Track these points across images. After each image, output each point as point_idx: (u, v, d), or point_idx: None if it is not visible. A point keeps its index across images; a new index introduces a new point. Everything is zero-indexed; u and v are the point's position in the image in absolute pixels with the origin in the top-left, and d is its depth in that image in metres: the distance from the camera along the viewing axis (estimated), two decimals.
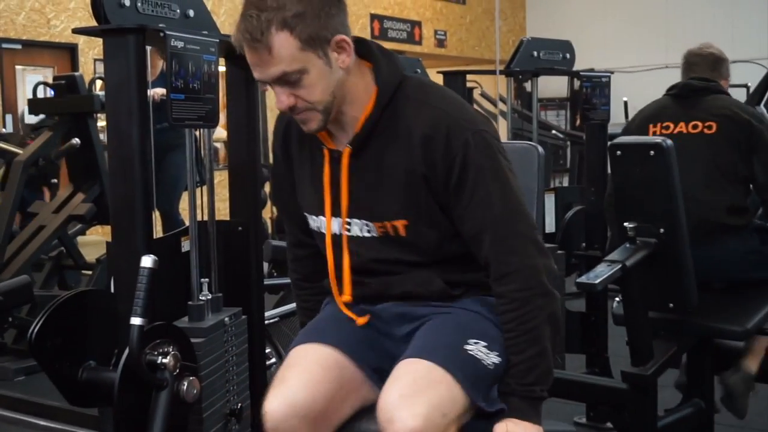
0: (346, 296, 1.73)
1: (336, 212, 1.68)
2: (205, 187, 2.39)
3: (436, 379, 1.56)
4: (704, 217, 2.73)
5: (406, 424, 1.49)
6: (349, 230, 1.68)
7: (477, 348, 1.63)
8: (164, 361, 1.91)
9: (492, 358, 1.64)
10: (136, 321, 1.82)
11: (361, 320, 1.74)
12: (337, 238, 1.71)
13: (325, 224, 1.70)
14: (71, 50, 8.42)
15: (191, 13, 2.21)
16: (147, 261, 1.86)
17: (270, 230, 7.10)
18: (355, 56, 1.62)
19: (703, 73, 2.97)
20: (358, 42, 1.64)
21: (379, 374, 1.70)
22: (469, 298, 1.72)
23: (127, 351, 1.86)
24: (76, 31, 2.07)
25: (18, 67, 8.22)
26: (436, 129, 1.58)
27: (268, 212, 7.31)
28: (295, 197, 1.78)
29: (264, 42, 1.51)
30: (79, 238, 5.24)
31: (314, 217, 1.73)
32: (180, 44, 2.00)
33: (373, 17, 11.93)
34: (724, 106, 2.86)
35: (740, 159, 2.80)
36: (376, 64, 1.65)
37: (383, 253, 1.68)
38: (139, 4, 2.06)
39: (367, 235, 1.68)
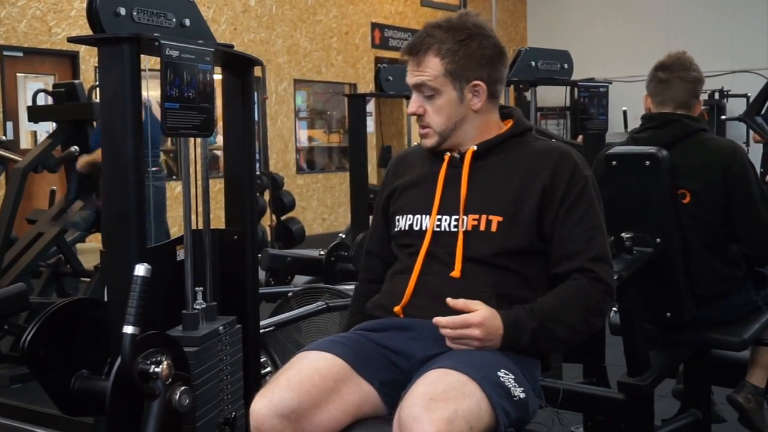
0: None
1: (441, 210, 1.88)
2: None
3: (467, 392, 1.57)
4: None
5: (432, 425, 1.49)
6: (439, 226, 1.87)
7: (507, 378, 1.67)
8: (157, 370, 1.90)
9: (518, 393, 1.67)
10: (128, 330, 1.82)
11: (398, 308, 1.85)
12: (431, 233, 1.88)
13: (424, 221, 1.89)
14: (72, 58, 8.43)
15: (187, 22, 2.21)
16: (140, 269, 1.86)
17: (269, 238, 7.09)
18: (490, 104, 1.92)
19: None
20: (507, 108, 1.99)
21: (388, 387, 1.73)
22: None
23: (119, 360, 1.86)
24: (72, 40, 2.07)
25: (19, 75, 8.24)
26: (568, 157, 1.87)
27: (267, 220, 7.31)
28: (388, 235, 2.00)
29: (419, 56, 1.88)
30: (79, 246, 5.23)
31: (410, 215, 1.92)
32: (175, 53, 1.99)
33: (374, 26, 11.95)
34: None
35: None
36: (514, 112, 1.98)
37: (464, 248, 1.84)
38: (134, 14, 2.05)
39: (454, 230, 1.84)
